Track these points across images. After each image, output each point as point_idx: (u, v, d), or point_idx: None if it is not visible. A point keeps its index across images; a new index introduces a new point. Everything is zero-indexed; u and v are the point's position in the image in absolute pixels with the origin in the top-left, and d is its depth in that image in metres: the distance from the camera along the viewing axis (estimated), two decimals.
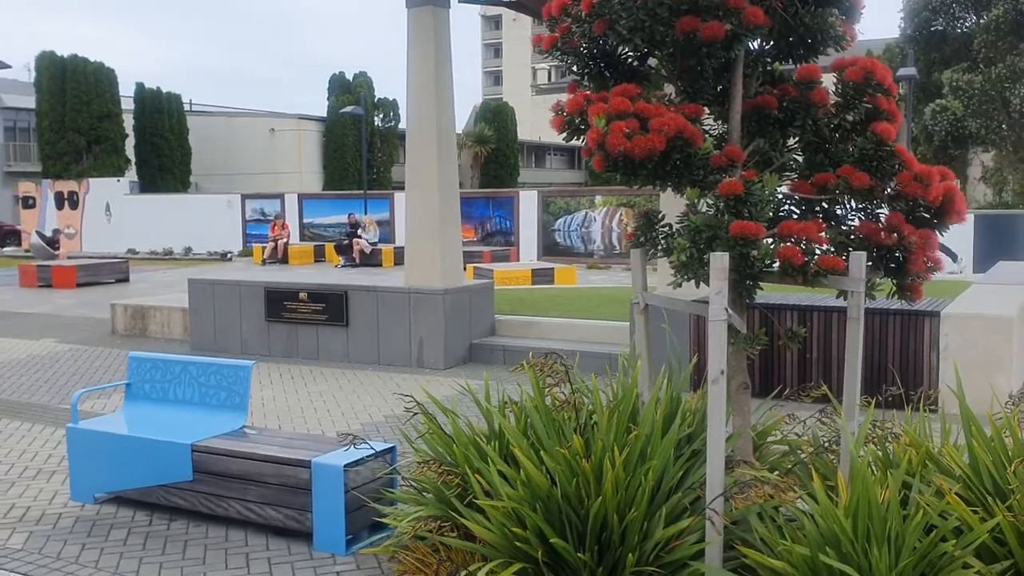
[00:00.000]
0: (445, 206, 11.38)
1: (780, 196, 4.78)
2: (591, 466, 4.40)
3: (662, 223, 4.93)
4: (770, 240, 4.42)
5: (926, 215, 4.58)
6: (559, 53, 4.93)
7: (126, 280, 23.38)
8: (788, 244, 4.29)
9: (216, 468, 5.92)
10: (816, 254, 4.36)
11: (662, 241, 4.76)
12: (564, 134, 4.71)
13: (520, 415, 5.14)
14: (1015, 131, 27.72)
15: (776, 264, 4.37)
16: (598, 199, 26.65)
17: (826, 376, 9.02)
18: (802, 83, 4.52)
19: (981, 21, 28.86)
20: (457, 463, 4.82)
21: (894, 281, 4.64)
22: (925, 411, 5.16)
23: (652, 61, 5.12)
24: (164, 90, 43.38)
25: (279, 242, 28.06)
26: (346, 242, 26.63)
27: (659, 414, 4.76)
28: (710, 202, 4.47)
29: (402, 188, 15.56)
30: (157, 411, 6.69)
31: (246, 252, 31.51)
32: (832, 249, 4.55)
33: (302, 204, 32.51)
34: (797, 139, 4.80)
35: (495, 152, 53.99)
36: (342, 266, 26.18)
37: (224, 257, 32.31)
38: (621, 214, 25.75)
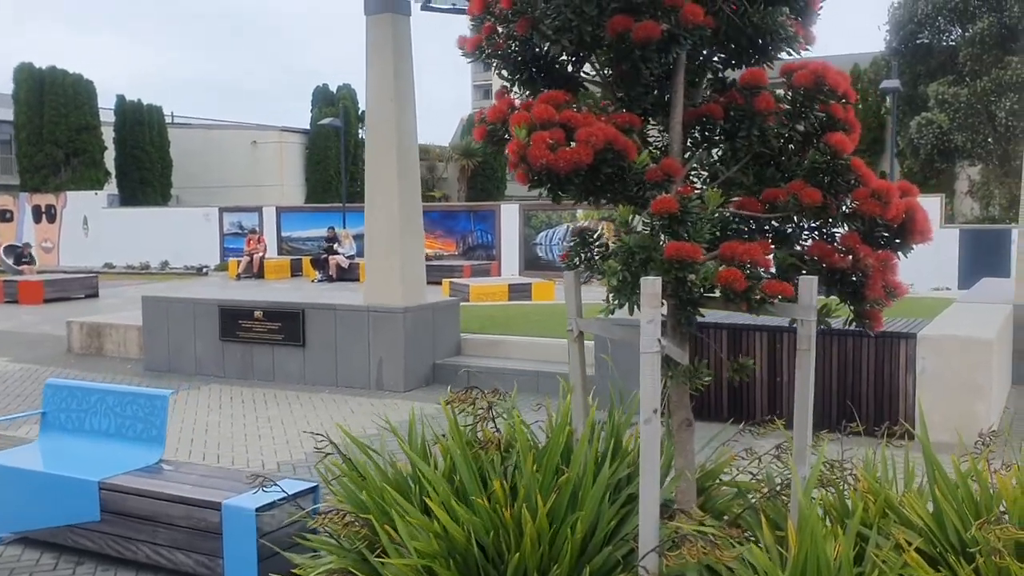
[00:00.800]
0: (406, 220, 10.93)
1: (727, 214, 4.35)
2: (512, 516, 3.93)
3: (598, 243, 4.48)
4: (715, 263, 3.98)
5: (886, 235, 4.15)
6: (484, 57, 4.49)
7: (95, 295, 22.85)
8: (730, 267, 3.84)
9: (125, 508, 5.44)
10: (762, 278, 3.92)
11: (596, 263, 4.31)
12: (488, 145, 4.26)
13: (446, 455, 4.67)
14: (1001, 145, 27.43)
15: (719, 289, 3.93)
16: (579, 213, 26.24)
17: (820, 400, 8.57)
18: (747, 89, 4.08)
19: (966, 34, 28.63)
20: (368, 510, 4.35)
21: (851, 307, 4.20)
22: (888, 444, 4.72)
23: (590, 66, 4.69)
24: (145, 102, 42.87)
25: (254, 256, 27.56)
26: (323, 256, 26.15)
27: (593, 453, 4.30)
28: (646, 221, 4.02)
29: None
30: (71, 443, 6.21)
31: (223, 266, 30.98)
32: (782, 272, 4.12)
33: (280, 217, 32.02)
34: (746, 150, 4.36)
35: (482, 165, 53.65)
36: (318, 281, 25.68)
37: (200, 271, 31.78)
38: (603, 228, 25.34)
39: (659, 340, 3.75)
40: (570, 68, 4.64)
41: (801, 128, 4.13)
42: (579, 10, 3.95)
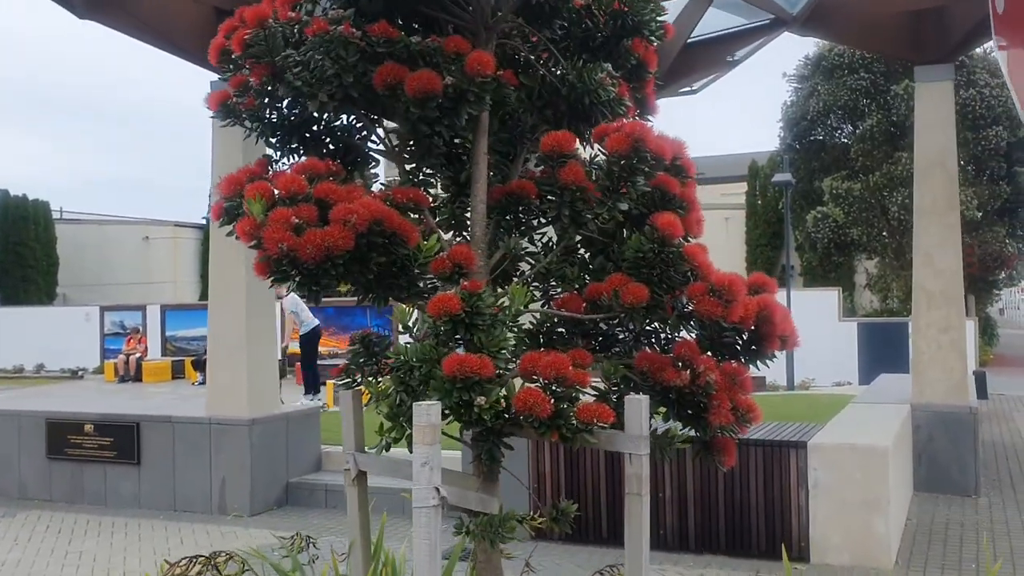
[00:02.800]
0: (254, 319, 9.81)
1: (541, 315, 3.45)
2: None
3: (387, 352, 3.52)
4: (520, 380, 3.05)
5: (736, 342, 3.29)
6: (240, 119, 3.55)
7: None
8: (532, 387, 2.91)
9: None
10: (577, 399, 2.99)
11: (372, 381, 3.34)
12: (223, 226, 3.30)
13: None
14: (895, 238, 27.76)
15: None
16: None
17: (705, 516, 7.65)
18: (549, 158, 3.22)
19: (856, 131, 29.23)
20: None
21: (696, 435, 3.30)
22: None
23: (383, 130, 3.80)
24: (32, 197, 41.04)
25: (130, 358, 25.79)
26: (204, 357, 24.58)
27: None
28: (429, 325, 3.08)
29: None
30: None
31: (102, 369, 29.03)
32: (615, 389, 3.21)
33: (165, 315, 30.32)
34: (561, 236, 3.50)
35: None
36: (200, 383, 24.04)
37: (75, 375, 29.75)
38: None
39: (437, 489, 2.77)
40: (358, 135, 3.75)
41: (624, 207, 3.28)
42: (336, 55, 3.07)
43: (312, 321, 16.16)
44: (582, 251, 3.81)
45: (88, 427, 10.27)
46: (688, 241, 3.53)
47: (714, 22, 8.75)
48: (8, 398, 18.36)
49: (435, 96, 3.05)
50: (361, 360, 3.41)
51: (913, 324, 10.34)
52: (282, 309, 15.46)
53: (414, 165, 3.54)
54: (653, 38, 3.83)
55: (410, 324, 3.28)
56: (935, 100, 9.99)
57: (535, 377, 2.91)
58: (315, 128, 3.63)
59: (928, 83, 9.99)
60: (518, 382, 3.10)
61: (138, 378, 25.73)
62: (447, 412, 2.88)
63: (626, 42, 3.75)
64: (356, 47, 3.04)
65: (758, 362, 3.36)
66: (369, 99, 3.24)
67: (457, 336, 2.94)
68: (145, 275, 42.02)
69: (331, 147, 3.67)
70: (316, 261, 2.85)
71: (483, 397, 2.84)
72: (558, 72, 3.57)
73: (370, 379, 3.36)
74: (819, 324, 20.63)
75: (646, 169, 3.17)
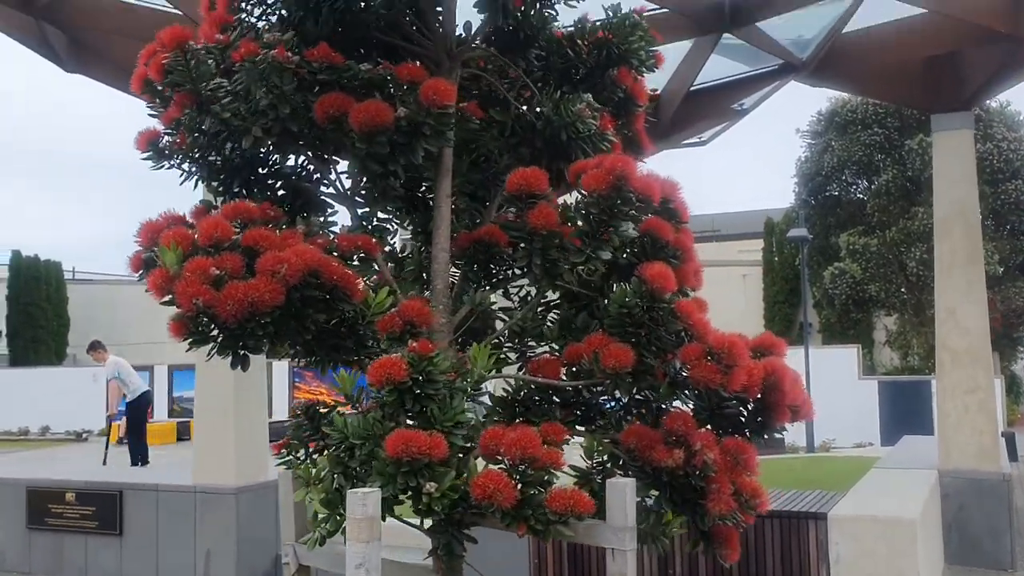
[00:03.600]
0: (242, 383, 9.34)
1: (518, 382, 2.99)
2: None
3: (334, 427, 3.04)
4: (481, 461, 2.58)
5: (740, 414, 2.81)
6: (173, 160, 3.15)
7: None
8: (494, 469, 2.44)
9: None
10: (550, 484, 2.52)
11: (306, 463, 2.87)
12: (142, 280, 2.87)
13: None
14: (914, 294, 27.14)
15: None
16: None
17: None
18: (517, 198, 2.79)
19: (872, 186, 28.81)
20: None
21: (692, 523, 2.80)
22: None
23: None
24: (43, 257, 41.04)
25: None
26: None
27: None
28: (375, 395, 2.63)
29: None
30: None
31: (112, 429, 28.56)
32: (596, 470, 2.73)
33: (172, 376, 29.93)
34: (537, 289, 3.05)
35: None
36: None
37: (80, 437, 29.31)
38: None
39: None
40: (310, 178, 3.34)
41: (607, 256, 2.83)
42: (272, 84, 2.66)
43: (141, 387, 14.23)
44: (566, 307, 3.37)
45: (70, 495, 9.78)
46: (684, 296, 3.07)
47: (719, 69, 8.42)
48: (16, 459, 17.91)
49: (385, 129, 2.64)
50: (306, 434, 2.95)
51: (938, 384, 9.76)
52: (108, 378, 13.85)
53: (367, 209, 3.12)
54: (643, 68, 3.43)
55: (354, 393, 2.83)
56: (953, 149, 9.56)
57: (499, 457, 2.44)
58: (262, 170, 3.22)
59: (945, 132, 9.57)
60: (482, 462, 2.63)
61: None
62: (392, 500, 2.41)
63: (611, 72, 3.35)
64: (293, 74, 2.64)
65: (765, 435, 2.87)
66: (314, 135, 2.83)
67: (406, 408, 2.48)
68: (156, 335, 41.80)
69: (280, 191, 3.25)
70: (238, 319, 2.41)
71: (433, 483, 2.37)
72: (534, 106, 3.16)
73: (315, 456, 2.89)
74: (838, 383, 19.99)
75: (631, 211, 2.73)
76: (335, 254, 2.75)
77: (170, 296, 2.48)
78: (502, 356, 3.25)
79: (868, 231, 28.52)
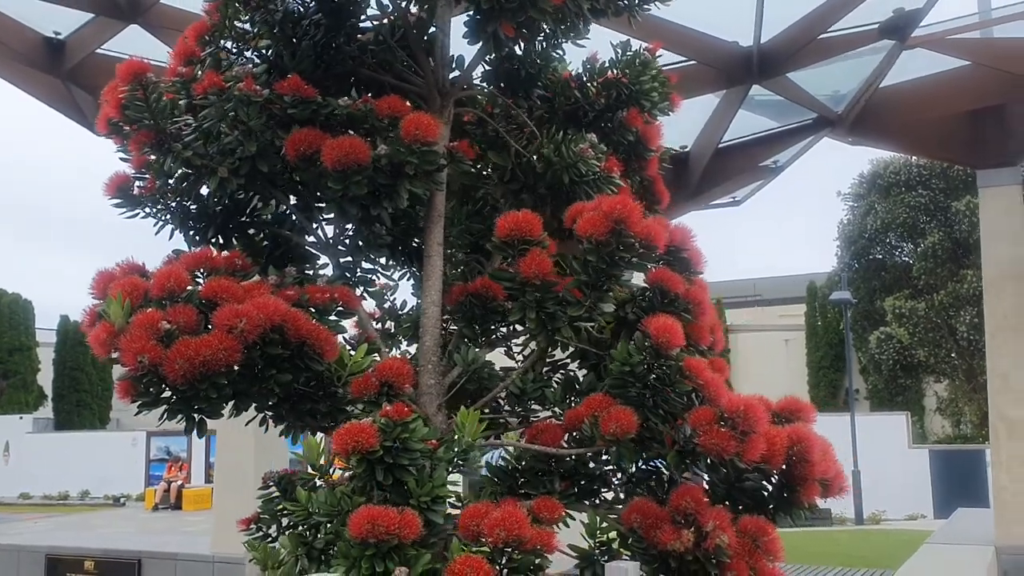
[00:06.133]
0: (262, 448, 9.09)
1: (514, 452, 2.69)
2: None
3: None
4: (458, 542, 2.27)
5: (763, 489, 2.47)
6: (132, 208, 2.92)
7: None
8: (472, 555, 2.13)
9: None
10: (541, 569, 2.19)
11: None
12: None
13: None
14: (965, 359, 26.26)
15: None
16: None
17: None
18: (508, 244, 2.51)
19: (918, 249, 28.18)
20: None
21: None
22: None
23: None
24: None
25: (172, 485, 25.14)
26: None
27: None
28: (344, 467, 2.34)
29: None
30: None
31: (144, 496, 28.45)
32: (601, 551, 2.41)
33: (209, 441, 29.81)
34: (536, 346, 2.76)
35: None
36: None
37: (118, 502, 29.25)
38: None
39: None
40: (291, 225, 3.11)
41: (609, 309, 2.53)
42: (238, 120, 2.44)
43: None
44: (572, 366, 3.07)
45: (88, 563, 9.55)
46: (702, 355, 2.76)
47: (750, 124, 8.16)
48: (52, 525, 17.73)
49: (362, 169, 2.40)
50: (278, 508, 2.66)
51: (993, 456, 9.18)
52: None
53: (349, 259, 2.87)
54: (656, 111, 3.17)
55: (323, 463, 2.54)
56: (1001, 206, 9.15)
57: (481, 539, 2.13)
58: (241, 218, 2.99)
59: (992, 188, 9.17)
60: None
61: (178, 506, 25.03)
62: None
63: (621, 113, 3.09)
64: (262, 109, 2.42)
65: (791, 517, 2.53)
66: (290, 177, 2.60)
67: (379, 481, 2.19)
68: None
69: (263, 241, 3.02)
70: (188, 379, 2.15)
71: (404, 568, 2.06)
72: (536, 149, 2.91)
73: (287, 533, 2.60)
74: (888, 451, 19.24)
75: (633, 259, 2.44)
76: (312, 309, 2.49)
77: (116, 353, 2.23)
78: (502, 421, 2.96)
79: (915, 295, 27.82)
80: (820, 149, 9.14)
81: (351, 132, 2.53)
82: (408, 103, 2.72)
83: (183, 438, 30.65)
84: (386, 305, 3.47)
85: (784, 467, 2.39)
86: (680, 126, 8.08)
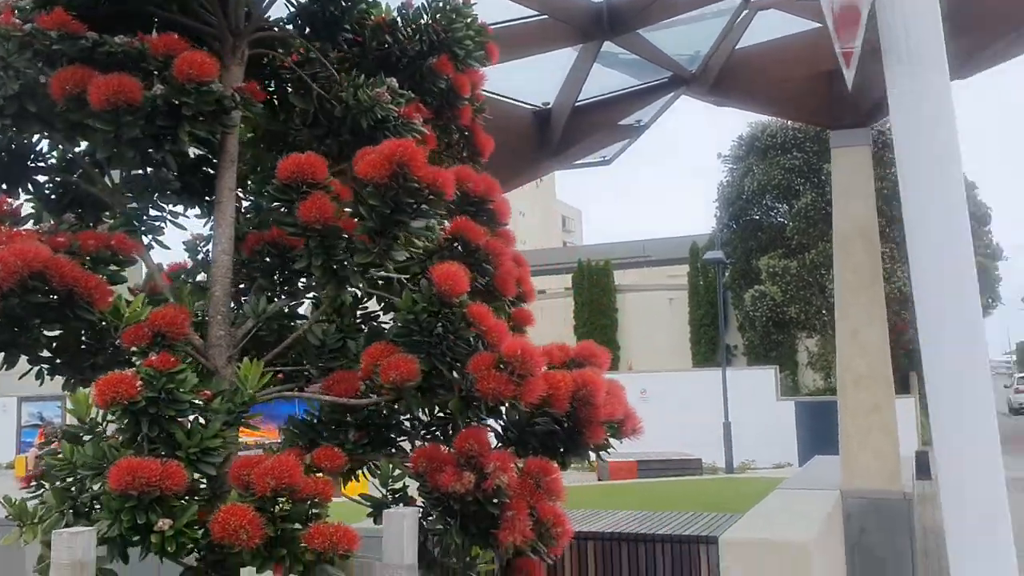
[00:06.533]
0: None
1: (315, 400, 2.64)
2: None
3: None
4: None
5: (554, 433, 2.50)
6: None
7: None
8: (239, 505, 2.08)
9: None
10: (318, 517, 2.17)
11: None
12: None
13: None
14: (833, 315, 27.43)
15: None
16: None
17: None
18: (290, 187, 2.45)
19: (792, 210, 29.12)
20: None
21: (490, 553, 2.48)
22: None
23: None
24: None
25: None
26: None
27: None
28: (112, 417, 2.25)
29: None
30: None
31: (14, 464, 27.31)
32: (396, 498, 2.40)
33: None
34: (325, 294, 2.71)
35: None
36: None
37: None
38: None
39: None
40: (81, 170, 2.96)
41: (400, 256, 2.51)
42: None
43: None
44: (385, 318, 3.04)
45: None
46: (514, 305, 2.77)
47: (611, 82, 8.22)
48: None
49: (134, 109, 2.28)
50: (50, 469, 2.55)
51: (840, 405, 9.63)
52: None
53: (135, 206, 2.75)
54: (471, 60, 3.13)
55: (93, 417, 2.45)
56: (852, 166, 9.52)
57: (248, 487, 2.09)
58: (30, 164, 2.83)
59: (844, 148, 9.53)
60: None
61: None
62: (121, 540, 2.04)
63: (431, 60, 3.04)
64: (24, 44, 2.27)
65: (588, 457, 2.57)
66: (65, 119, 2.46)
67: (146, 433, 2.12)
68: None
69: (52, 188, 2.87)
70: None
71: (167, 520, 2.00)
72: (336, 93, 2.83)
73: (51, 488, 2.49)
74: (757, 404, 20.01)
75: (421, 205, 2.40)
76: (88, 257, 2.38)
77: None
78: (305, 374, 2.90)
79: (788, 254, 28.80)
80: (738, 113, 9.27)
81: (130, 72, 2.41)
82: (198, 44, 2.60)
83: (56, 404, 29.46)
84: (199, 256, 3.36)
85: (571, 410, 2.42)
86: (543, 83, 8.09)
